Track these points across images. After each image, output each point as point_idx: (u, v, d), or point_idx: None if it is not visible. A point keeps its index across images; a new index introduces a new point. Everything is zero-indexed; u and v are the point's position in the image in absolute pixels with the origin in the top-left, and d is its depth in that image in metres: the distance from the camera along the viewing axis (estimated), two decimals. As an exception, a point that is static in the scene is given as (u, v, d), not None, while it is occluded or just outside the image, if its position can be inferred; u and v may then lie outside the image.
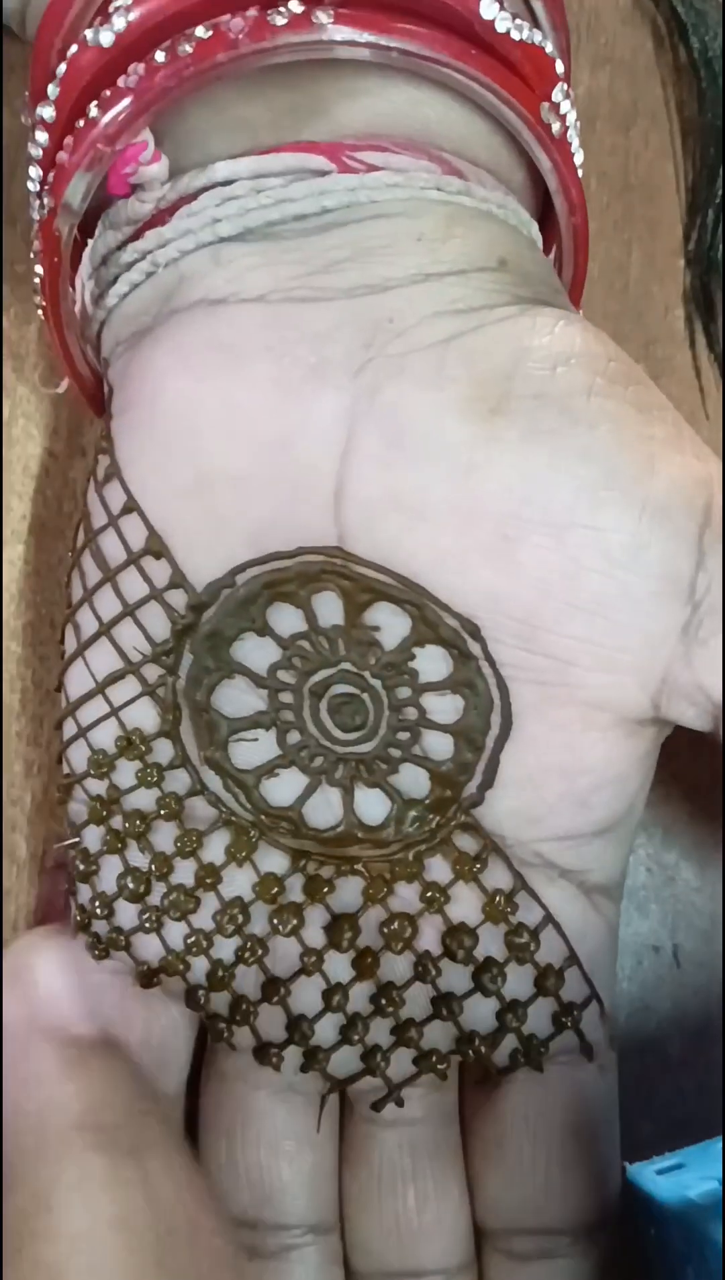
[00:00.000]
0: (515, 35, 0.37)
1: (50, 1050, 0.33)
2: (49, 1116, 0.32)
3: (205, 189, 0.38)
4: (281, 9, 0.35)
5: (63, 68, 0.36)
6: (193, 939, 0.40)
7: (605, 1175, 0.40)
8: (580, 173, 0.41)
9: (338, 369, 0.36)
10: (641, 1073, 0.42)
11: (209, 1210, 0.35)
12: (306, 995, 0.40)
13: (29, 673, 0.49)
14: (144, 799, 0.40)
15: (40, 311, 0.41)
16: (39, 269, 0.40)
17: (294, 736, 0.39)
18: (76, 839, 0.41)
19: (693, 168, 0.54)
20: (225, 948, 0.40)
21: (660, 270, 0.54)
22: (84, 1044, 0.34)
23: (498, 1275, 0.40)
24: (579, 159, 0.41)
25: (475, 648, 0.37)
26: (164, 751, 0.40)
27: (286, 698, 0.39)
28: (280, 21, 0.35)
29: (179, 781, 0.40)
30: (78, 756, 0.41)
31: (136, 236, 0.39)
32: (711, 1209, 0.38)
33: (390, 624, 0.37)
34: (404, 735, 0.38)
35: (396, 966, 0.40)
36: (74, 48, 0.36)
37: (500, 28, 0.36)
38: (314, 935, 0.40)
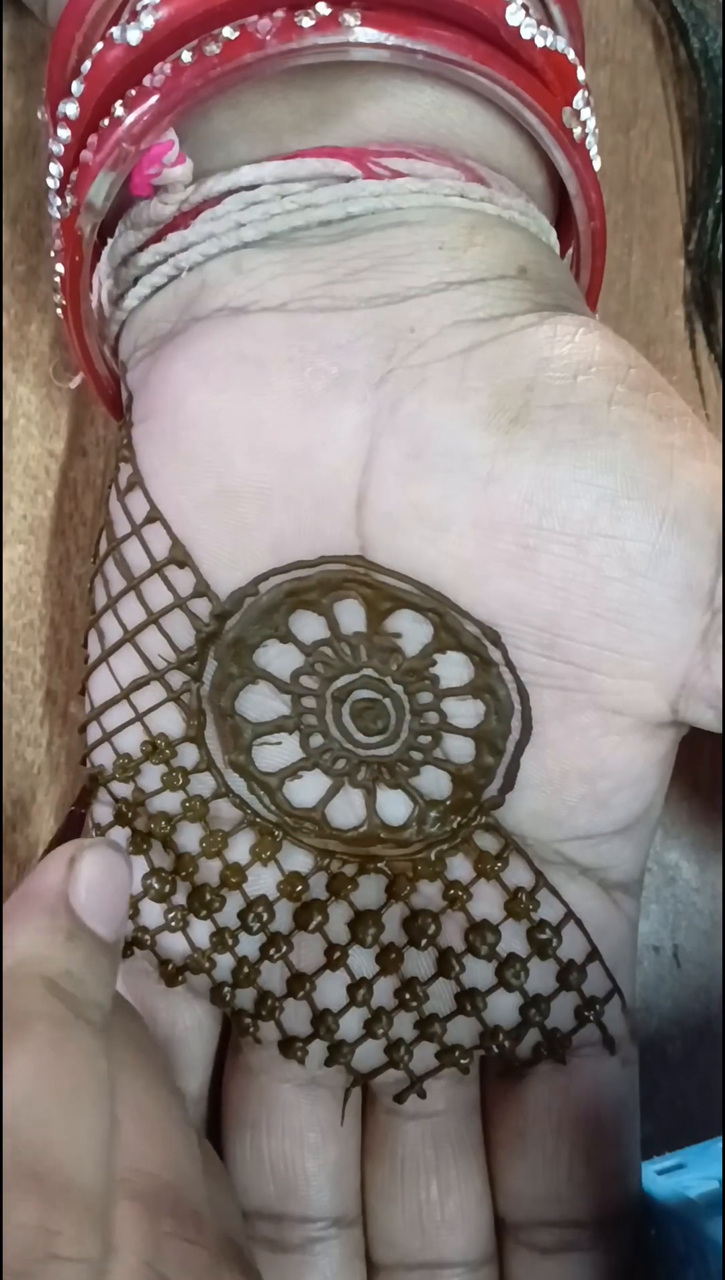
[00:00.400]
0: (540, 41, 0.36)
1: (55, 919, 0.32)
2: (25, 968, 0.31)
3: (229, 193, 0.38)
4: (309, 10, 0.34)
5: (87, 65, 0.36)
6: (218, 937, 0.40)
7: (627, 1168, 0.40)
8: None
9: (359, 381, 0.36)
10: (642, 1073, 0.42)
11: (180, 1120, 0.35)
12: (331, 990, 0.40)
13: (29, 673, 0.49)
14: (169, 801, 0.40)
15: (60, 310, 0.41)
16: (59, 267, 0.39)
17: (317, 740, 0.39)
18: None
19: (693, 168, 0.54)
20: (250, 945, 0.40)
21: (660, 270, 0.53)
22: (94, 936, 0.33)
23: (519, 1268, 0.40)
24: (598, 165, 0.40)
25: (496, 654, 0.37)
26: (189, 756, 0.40)
27: (309, 702, 0.39)
28: (307, 23, 0.34)
29: (204, 784, 0.40)
30: (102, 760, 0.41)
31: (158, 238, 0.39)
32: (711, 1209, 0.38)
33: (412, 631, 0.37)
34: (425, 739, 0.38)
35: (420, 963, 0.40)
36: (99, 45, 0.36)
37: (525, 34, 0.36)
38: (338, 931, 0.40)
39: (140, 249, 0.39)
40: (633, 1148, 0.41)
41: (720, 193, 0.53)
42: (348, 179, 0.37)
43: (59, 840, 0.37)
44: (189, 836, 0.40)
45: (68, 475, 0.50)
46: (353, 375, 0.36)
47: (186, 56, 0.35)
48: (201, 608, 0.38)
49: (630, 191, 0.54)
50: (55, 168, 0.38)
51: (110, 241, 0.40)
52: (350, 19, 0.34)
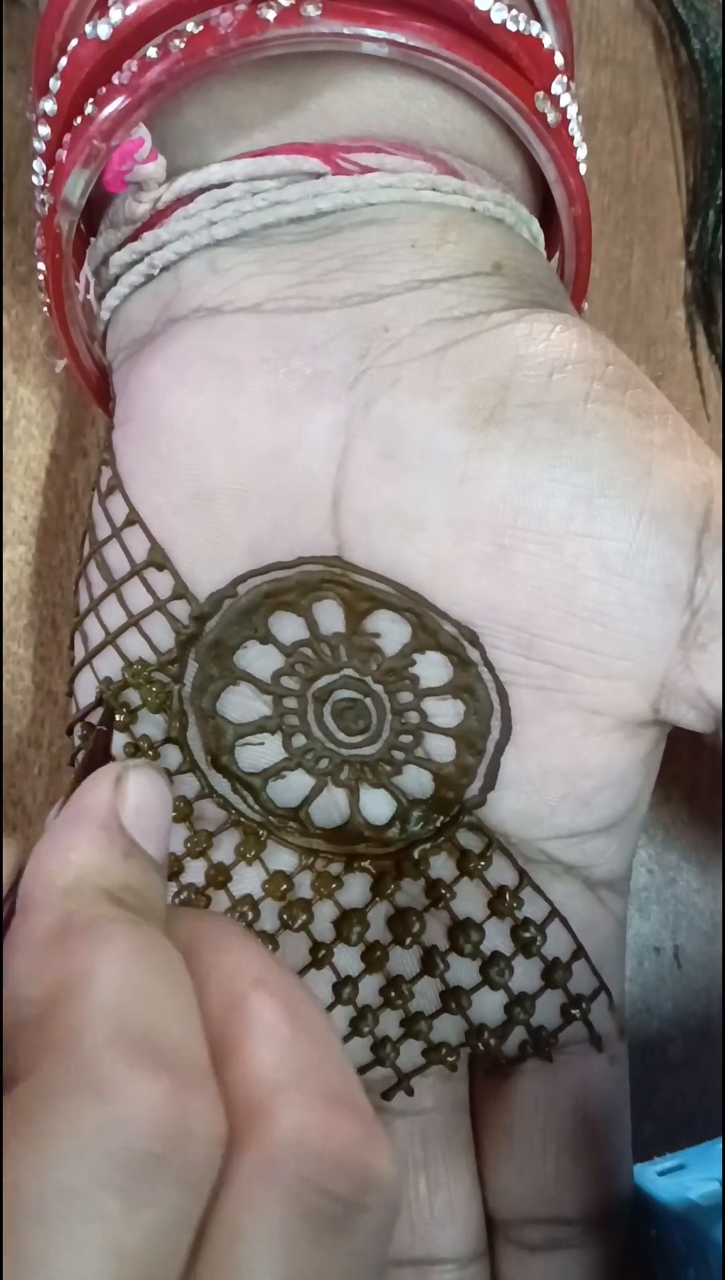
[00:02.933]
0: (512, 26, 0.35)
1: (110, 836, 0.30)
2: (86, 882, 0.29)
3: (201, 190, 0.37)
4: (271, 3, 0.33)
5: (63, 62, 0.35)
6: None
7: (616, 1166, 0.39)
8: (583, 167, 0.39)
9: (333, 381, 0.35)
10: (643, 1073, 0.41)
11: None
12: (316, 989, 0.38)
13: (29, 673, 0.47)
14: None
15: (45, 308, 0.40)
16: (41, 265, 0.38)
17: (299, 740, 0.38)
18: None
19: (694, 169, 0.52)
20: None
21: (661, 271, 0.52)
22: (147, 855, 0.31)
23: (509, 1266, 0.39)
24: (582, 153, 0.39)
25: (474, 654, 0.35)
26: (172, 757, 0.39)
27: (291, 703, 0.38)
28: (269, 15, 0.33)
29: (187, 785, 0.39)
30: None
31: (134, 237, 0.38)
32: (712, 1210, 0.37)
33: (390, 631, 0.36)
34: (406, 738, 0.37)
35: (404, 961, 0.39)
36: (74, 41, 0.35)
37: (496, 18, 0.34)
38: (323, 930, 0.39)
39: (118, 248, 0.38)
40: (623, 1145, 0.39)
41: (721, 194, 0.51)
42: (317, 175, 0.36)
43: (89, 760, 0.36)
44: (172, 838, 0.39)
45: (68, 476, 0.49)
46: (327, 376, 0.35)
47: (152, 52, 0.33)
48: (180, 609, 0.37)
49: (631, 192, 0.52)
50: (39, 165, 0.37)
51: (93, 241, 0.39)
52: (311, 10, 0.32)
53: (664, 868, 0.48)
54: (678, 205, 0.53)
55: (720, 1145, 0.41)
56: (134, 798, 0.31)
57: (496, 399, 0.34)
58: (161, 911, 0.30)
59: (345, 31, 0.33)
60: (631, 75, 0.53)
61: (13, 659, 0.48)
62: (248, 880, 0.39)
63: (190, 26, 0.33)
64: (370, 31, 0.34)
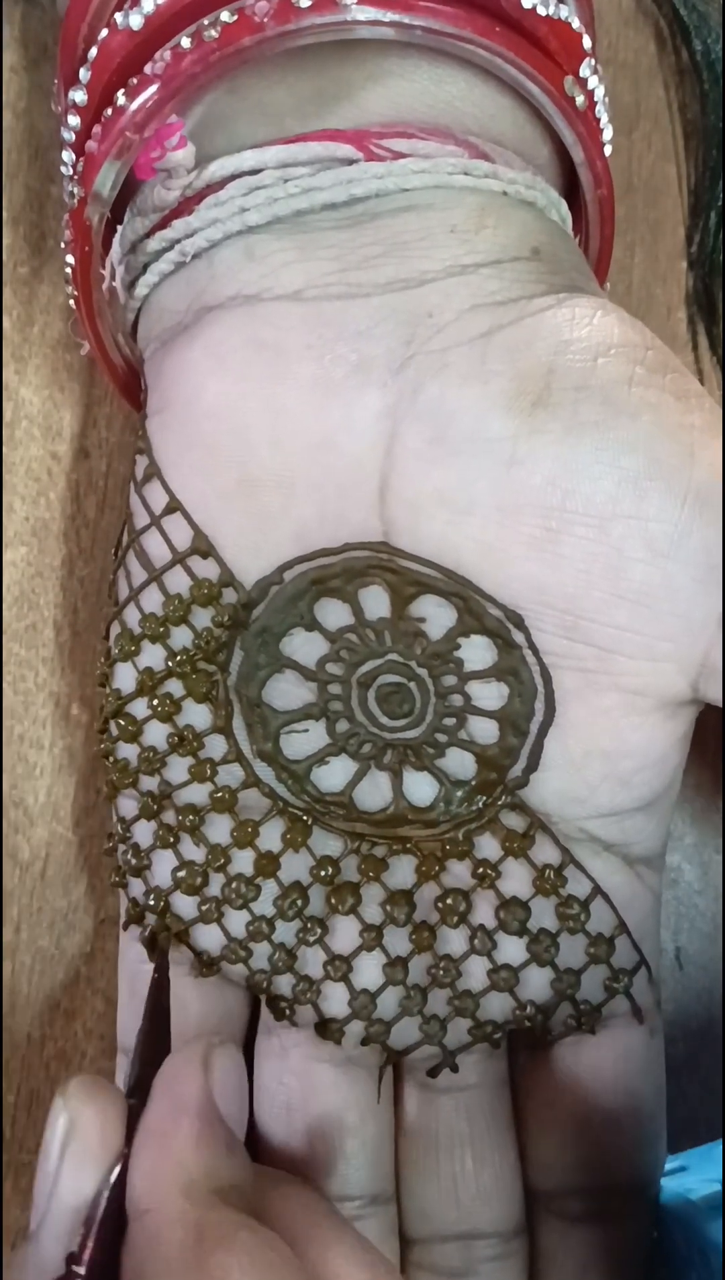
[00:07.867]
0: (542, 10, 0.35)
1: (213, 1130, 0.31)
2: (200, 1185, 0.30)
3: (232, 177, 0.36)
4: (306, -11, 0.32)
5: (94, 51, 0.35)
6: (255, 925, 0.39)
7: (655, 1135, 0.39)
8: (609, 149, 0.39)
9: (380, 366, 0.35)
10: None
11: None
12: (368, 971, 0.39)
13: (31, 675, 0.47)
14: (196, 793, 0.39)
15: (72, 301, 0.39)
16: (70, 258, 0.38)
17: (343, 725, 0.38)
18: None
19: (695, 170, 0.52)
20: (286, 931, 0.39)
21: (662, 272, 0.52)
22: (240, 1146, 0.32)
23: (550, 1238, 0.39)
24: (608, 134, 0.39)
25: (519, 637, 0.36)
26: (216, 747, 0.39)
27: (335, 689, 0.38)
28: (305, 3, 0.33)
29: (232, 775, 0.39)
30: (127, 753, 0.40)
31: (164, 225, 0.37)
32: (713, 1211, 0.37)
33: (436, 615, 0.36)
34: (450, 721, 0.37)
35: (452, 941, 0.39)
36: (104, 31, 0.35)
37: (526, 3, 0.34)
38: (372, 913, 0.39)
39: (147, 235, 0.38)
40: (661, 1114, 0.40)
41: (722, 195, 0.51)
42: (350, 161, 0.36)
43: (152, 1007, 0.36)
44: (216, 828, 0.39)
45: (70, 477, 0.48)
46: (373, 361, 0.35)
47: (186, 42, 0.33)
48: (226, 597, 0.37)
49: (632, 194, 0.52)
50: (68, 155, 0.37)
51: (120, 229, 0.38)
52: (348, -4, 0.32)
53: (665, 869, 0.47)
54: (679, 207, 0.53)
55: (721, 1147, 0.41)
56: (221, 1082, 0.32)
57: (543, 383, 0.35)
58: (255, 1197, 0.31)
59: (382, 19, 0.33)
60: (633, 76, 0.53)
61: (14, 660, 0.47)
62: (294, 867, 0.39)
63: (224, 15, 0.33)
64: (407, 19, 0.34)
